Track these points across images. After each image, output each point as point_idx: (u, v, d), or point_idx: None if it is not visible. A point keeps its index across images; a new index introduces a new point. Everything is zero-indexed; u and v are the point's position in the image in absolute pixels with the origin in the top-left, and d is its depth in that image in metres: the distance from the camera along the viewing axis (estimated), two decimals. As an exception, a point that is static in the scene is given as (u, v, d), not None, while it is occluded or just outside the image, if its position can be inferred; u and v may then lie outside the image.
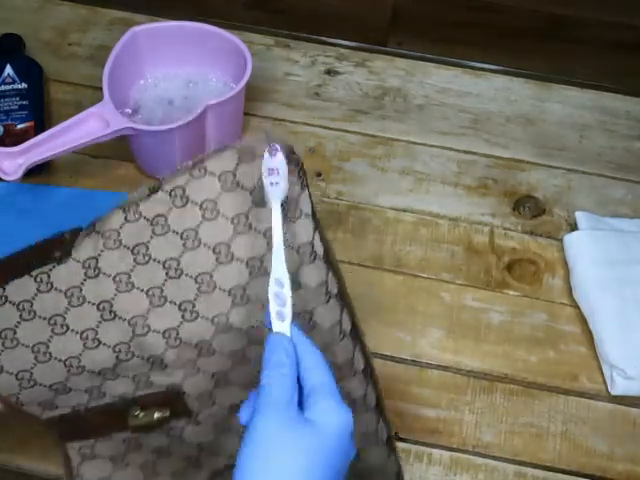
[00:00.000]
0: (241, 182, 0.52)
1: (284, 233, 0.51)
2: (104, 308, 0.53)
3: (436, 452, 0.75)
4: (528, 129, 0.95)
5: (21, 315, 0.53)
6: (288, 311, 0.48)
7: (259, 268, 0.52)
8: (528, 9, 0.95)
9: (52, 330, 0.53)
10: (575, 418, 0.77)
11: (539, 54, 0.99)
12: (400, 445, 0.74)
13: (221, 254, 0.52)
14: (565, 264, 0.84)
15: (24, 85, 0.89)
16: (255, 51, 0.93)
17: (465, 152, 0.93)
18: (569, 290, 0.83)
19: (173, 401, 0.57)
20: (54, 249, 0.53)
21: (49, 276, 0.53)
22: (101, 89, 0.80)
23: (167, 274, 0.53)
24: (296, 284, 0.53)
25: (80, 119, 0.79)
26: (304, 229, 0.53)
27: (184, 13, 0.91)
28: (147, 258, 0.52)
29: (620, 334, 0.78)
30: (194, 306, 0.53)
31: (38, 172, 0.83)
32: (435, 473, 0.74)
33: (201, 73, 0.91)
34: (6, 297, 0.53)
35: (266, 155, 0.51)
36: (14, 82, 0.89)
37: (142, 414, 0.57)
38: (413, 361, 0.79)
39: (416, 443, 0.75)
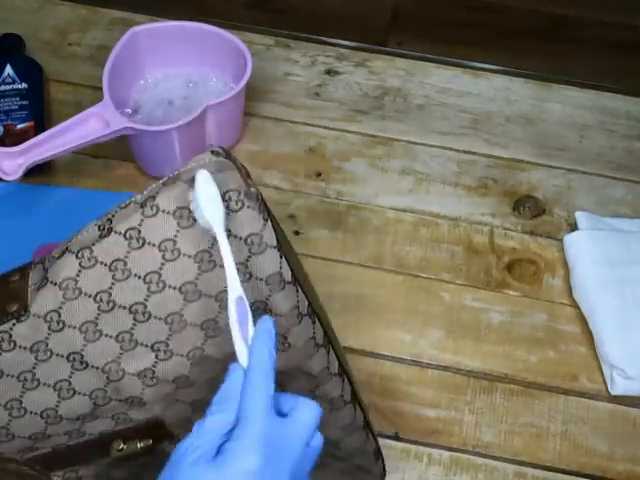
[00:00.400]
0: (197, 218, 0.49)
1: (247, 267, 0.49)
2: (74, 359, 0.51)
3: (436, 452, 0.75)
4: (528, 129, 0.95)
5: None
6: (251, 329, 0.47)
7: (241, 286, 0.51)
8: (528, 9, 0.95)
9: (23, 386, 0.51)
10: (575, 418, 0.77)
11: (539, 54, 0.99)
12: (400, 445, 0.75)
13: (188, 293, 0.50)
14: (565, 264, 0.84)
15: (24, 85, 0.89)
16: (255, 51, 0.93)
17: (465, 152, 0.93)
18: (569, 290, 0.83)
19: (154, 430, 0.57)
20: (7, 300, 0.51)
21: (10, 335, 0.50)
22: (101, 89, 0.80)
23: (135, 318, 0.50)
24: (267, 312, 0.52)
25: (80, 119, 0.79)
26: (271, 261, 0.50)
27: (184, 13, 0.91)
28: (111, 305, 0.50)
29: (620, 334, 0.78)
30: (167, 345, 0.51)
31: (38, 172, 0.83)
32: (435, 473, 0.74)
33: (201, 73, 0.91)
34: None
35: (195, 185, 0.49)
36: (14, 82, 0.89)
37: (125, 446, 0.56)
38: (413, 361, 0.79)
39: (416, 443, 0.75)
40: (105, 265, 0.50)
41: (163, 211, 0.50)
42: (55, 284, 0.50)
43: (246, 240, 0.50)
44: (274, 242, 0.50)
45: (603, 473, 0.74)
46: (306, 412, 0.47)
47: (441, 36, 0.99)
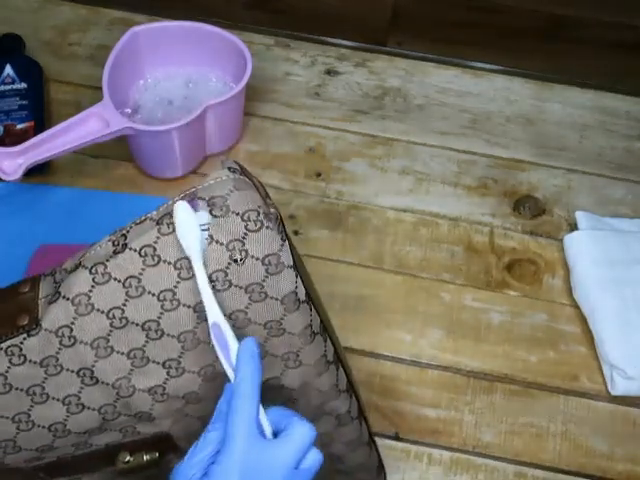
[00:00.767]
0: (216, 237, 0.49)
1: (265, 287, 0.50)
2: (84, 374, 0.51)
3: (436, 452, 0.75)
4: (528, 129, 0.95)
5: None
6: (233, 351, 0.48)
7: (243, 319, 0.50)
8: (528, 9, 0.95)
9: (32, 400, 0.51)
10: (575, 418, 0.77)
11: (539, 54, 0.99)
12: (400, 445, 0.75)
13: (202, 312, 0.49)
14: (565, 264, 0.84)
15: (24, 85, 0.89)
16: (255, 51, 0.93)
17: (465, 152, 0.93)
18: (569, 290, 0.83)
19: (161, 444, 0.57)
20: (17, 313, 0.50)
21: (21, 349, 0.50)
22: (101, 89, 0.80)
23: (147, 336, 0.50)
24: (280, 331, 0.52)
25: (80, 119, 0.79)
26: (287, 281, 0.50)
27: (184, 13, 0.91)
28: (124, 322, 0.49)
29: (620, 334, 0.78)
30: (179, 363, 0.51)
31: (38, 172, 0.83)
32: (435, 473, 0.74)
33: (201, 73, 0.91)
34: None
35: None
36: (14, 82, 0.89)
37: (131, 459, 0.56)
38: (413, 361, 0.79)
39: (416, 443, 0.75)
40: (119, 281, 0.49)
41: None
42: (67, 299, 0.49)
43: (263, 260, 0.49)
44: (291, 262, 0.50)
45: (603, 473, 0.74)
46: (297, 434, 0.46)
47: (441, 36, 0.99)
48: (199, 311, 0.50)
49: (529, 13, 0.95)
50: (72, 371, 0.51)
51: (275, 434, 0.47)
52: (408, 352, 0.79)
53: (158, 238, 0.49)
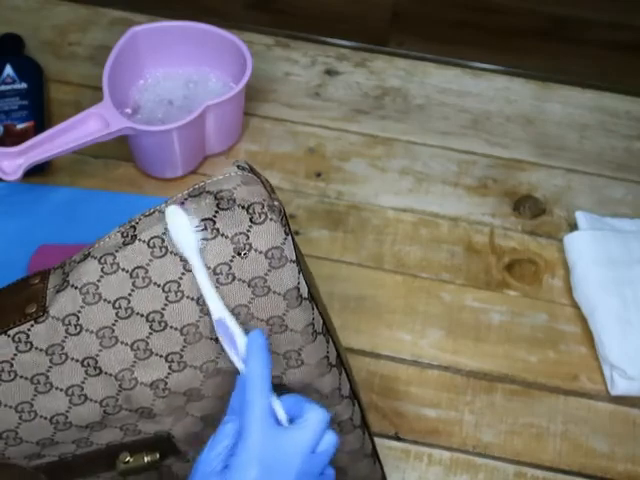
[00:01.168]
0: (222, 230, 0.50)
1: (268, 281, 0.50)
2: (89, 364, 0.51)
3: (436, 452, 0.75)
4: (528, 129, 0.95)
5: (1, 376, 0.51)
6: (241, 347, 0.49)
7: (246, 314, 0.51)
8: (528, 9, 0.95)
9: (35, 389, 0.52)
10: (575, 418, 0.77)
11: (539, 54, 0.99)
12: (400, 445, 0.75)
13: (205, 305, 0.50)
14: (565, 264, 0.84)
15: (24, 85, 0.89)
16: (255, 51, 0.93)
17: (465, 152, 0.93)
18: (569, 290, 0.83)
19: (162, 444, 0.57)
20: (26, 302, 0.51)
21: (28, 335, 0.51)
22: (101, 89, 0.80)
23: (151, 327, 0.51)
24: (282, 327, 0.52)
25: (80, 119, 0.79)
26: (289, 275, 0.51)
27: (184, 13, 0.91)
28: (129, 312, 0.50)
29: (620, 334, 0.78)
30: (181, 357, 0.52)
31: (38, 172, 0.83)
32: (435, 473, 0.74)
33: (201, 73, 0.91)
34: None
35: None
36: (14, 82, 0.89)
37: (131, 459, 0.56)
38: (413, 361, 0.79)
39: (416, 443, 0.75)
40: (126, 272, 0.50)
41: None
42: (76, 288, 0.50)
43: (267, 254, 0.50)
44: (294, 257, 0.51)
45: (603, 473, 0.74)
46: (311, 419, 0.47)
47: (441, 36, 0.99)
48: (202, 304, 0.50)
49: (529, 13, 0.95)
50: (77, 360, 0.51)
51: (290, 421, 0.48)
52: (408, 352, 0.79)
53: (167, 230, 0.50)
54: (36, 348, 0.51)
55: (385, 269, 0.84)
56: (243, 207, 0.50)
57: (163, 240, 0.50)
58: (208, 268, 0.50)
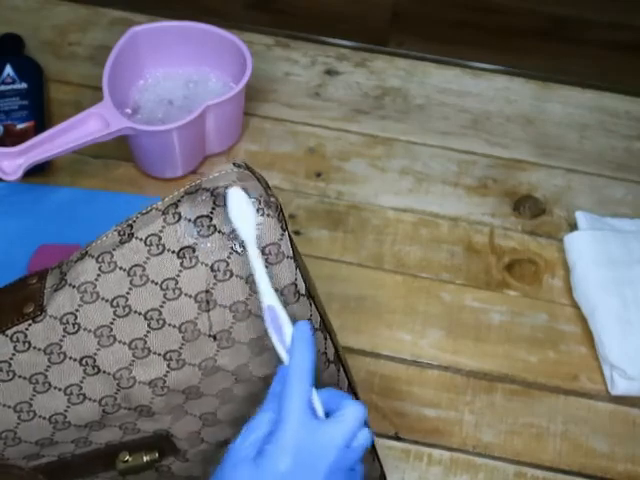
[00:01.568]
0: (218, 226, 0.50)
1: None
2: (87, 363, 0.51)
3: (436, 452, 0.75)
4: (528, 129, 0.95)
5: None
6: (288, 335, 0.49)
7: (243, 312, 0.51)
8: (528, 9, 0.95)
9: (34, 389, 0.52)
10: (575, 418, 0.77)
11: (539, 54, 0.99)
12: (400, 445, 0.75)
13: (203, 302, 0.50)
14: (565, 264, 0.84)
15: (24, 85, 0.89)
16: (255, 51, 0.93)
17: (465, 152, 0.93)
18: (569, 290, 0.83)
19: (161, 443, 0.57)
20: (23, 301, 0.51)
21: (26, 335, 0.51)
22: (101, 89, 0.80)
23: (149, 325, 0.51)
24: None
25: (80, 119, 0.79)
26: (287, 271, 0.51)
27: (184, 13, 0.91)
28: (127, 310, 0.50)
29: (620, 334, 0.78)
30: (180, 355, 0.52)
31: (38, 172, 0.83)
32: (435, 473, 0.74)
33: (201, 73, 0.91)
34: None
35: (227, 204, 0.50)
36: (14, 82, 0.89)
37: (130, 458, 0.56)
38: (413, 361, 0.79)
39: (416, 443, 0.75)
40: (124, 270, 0.50)
41: (184, 219, 0.50)
42: (73, 287, 0.50)
43: (264, 250, 0.50)
44: (290, 253, 0.51)
45: (603, 473, 0.74)
46: (348, 414, 0.47)
47: (441, 36, 0.99)
48: (200, 301, 0.50)
49: (529, 13, 0.95)
50: (75, 359, 0.51)
51: (327, 414, 0.48)
52: (408, 352, 0.79)
53: (163, 227, 0.50)
54: (34, 347, 0.51)
55: (385, 269, 0.84)
56: None
57: (160, 238, 0.50)
58: (205, 265, 0.50)
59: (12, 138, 0.85)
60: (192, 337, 0.51)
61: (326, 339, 0.55)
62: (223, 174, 0.52)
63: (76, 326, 0.50)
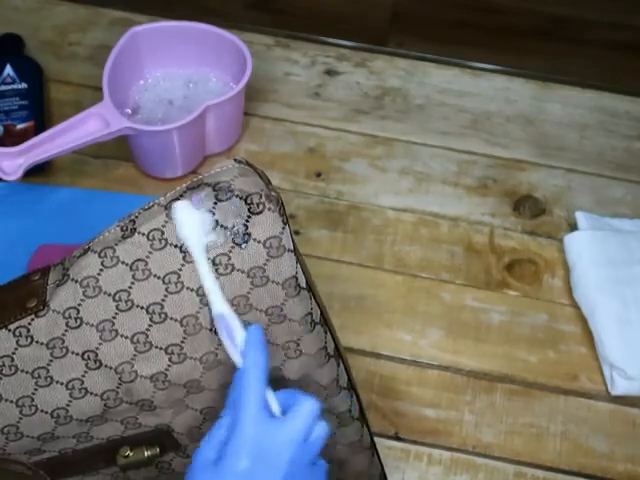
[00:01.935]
0: (221, 221, 0.50)
1: (267, 270, 0.51)
2: (89, 357, 0.52)
3: (436, 452, 0.75)
4: (528, 129, 0.95)
5: (2, 371, 0.52)
6: (240, 341, 0.49)
7: (245, 305, 0.51)
8: (528, 9, 0.95)
9: (36, 383, 0.52)
10: (575, 418, 0.77)
11: (539, 54, 0.99)
12: (400, 445, 0.75)
13: (204, 296, 0.51)
14: (565, 264, 0.84)
15: (24, 85, 0.89)
16: (255, 51, 0.93)
17: (465, 152, 0.93)
18: (569, 290, 0.83)
19: (162, 438, 0.57)
20: (26, 297, 0.52)
21: (28, 329, 0.51)
22: (101, 89, 0.80)
23: (151, 319, 0.51)
24: (281, 317, 0.53)
25: (80, 119, 0.79)
26: (288, 264, 0.51)
27: (184, 13, 0.91)
28: (129, 304, 0.51)
29: (620, 334, 0.78)
30: (181, 348, 0.52)
31: (38, 172, 0.83)
32: (435, 473, 0.74)
33: (201, 73, 0.91)
34: None
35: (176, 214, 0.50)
36: (14, 82, 0.89)
37: (131, 453, 0.57)
38: (413, 361, 0.79)
39: (416, 443, 0.75)
40: (126, 265, 0.51)
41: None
42: (76, 281, 0.51)
43: (265, 243, 0.50)
44: (291, 246, 0.51)
45: (603, 473, 0.74)
46: (302, 409, 0.48)
47: (441, 36, 0.99)
48: (201, 295, 0.51)
49: (529, 13, 0.95)
50: (77, 354, 0.52)
51: (284, 413, 0.49)
52: (408, 352, 0.79)
53: (166, 222, 0.50)
54: (37, 342, 0.51)
55: (385, 269, 0.84)
56: (241, 198, 0.50)
57: (163, 232, 0.50)
58: (207, 259, 0.50)
59: (12, 138, 0.85)
60: (194, 331, 0.52)
61: (326, 333, 0.55)
62: (224, 170, 0.52)
63: (78, 320, 0.51)
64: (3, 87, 0.88)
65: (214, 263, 0.50)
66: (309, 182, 0.89)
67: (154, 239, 0.50)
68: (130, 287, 0.51)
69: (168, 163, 0.86)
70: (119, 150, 0.87)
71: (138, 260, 0.50)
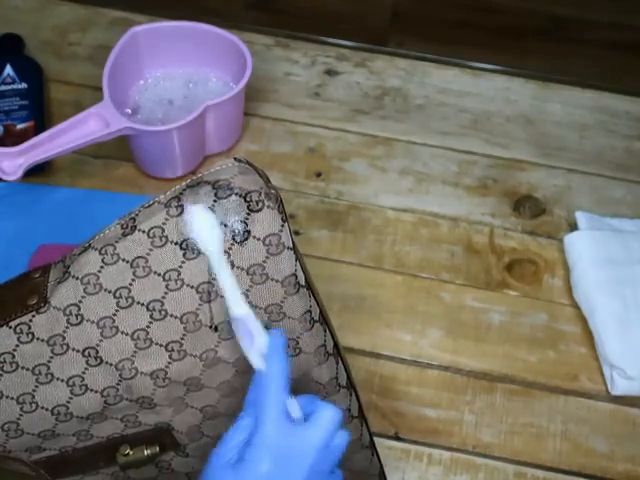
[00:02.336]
0: (220, 218, 0.50)
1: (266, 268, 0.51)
2: (89, 354, 0.52)
3: (436, 452, 0.75)
4: (528, 129, 0.95)
5: (3, 368, 0.52)
6: (261, 343, 0.49)
7: (245, 302, 0.51)
8: (528, 9, 0.95)
9: (37, 380, 0.52)
10: (575, 418, 0.77)
11: (539, 54, 0.99)
12: (400, 445, 0.75)
13: (204, 293, 0.51)
14: (565, 264, 0.84)
15: (24, 85, 0.89)
16: (255, 51, 0.93)
17: (465, 152, 0.93)
18: (569, 290, 0.83)
19: (162, 437, 0.57)
20: (27, 294, 0.52)
21: (29, 326, 0.51)
22: (101, 89, 0.80)
23: (151, 316, 0.51)
24: (280, 315, 0.53)
25: (80, 119, 0.79)
26: (287, 262, 0.51)
27: (184, 13, 0.91)
28: (130, 301, 0.51)
29: (620, 334, 0.78)
30: (181, 345, 0.52)
31: (38, 172, 0.83)
32: (435, 473, 0.74)
33: (201, 73, 0.91)
34: None
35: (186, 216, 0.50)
36: (14, 82, 0.89)
37: (131, 452, 0.57)
38: (413, 361, 0.79)
39: (416, 443, 0.75)
40: (127, 262, 0.51)
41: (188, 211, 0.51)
42: (77, 278, 0.51)
43: (264, 241, 0.51)
44: (290, 244, 0.51)
45: (603, 473, 0.74)
46: (324, 417, 0.48)
47: (441, 36, 0.99)
48: (201, 292, 0.51)
49: (529, 13, 0.95)
50: (77, 350, 0.52)
51: (304, 419, 0.49)
52: (408, 352, 0.79)
53: (167, 220, 0.51)
54: (37, 339, 0.51)
55: (385, 269, 0.84)
56: (240, 195, 0.51)
57: (163, 230, 0.51)
58: (207, 256, 0.50)
59: (12, 138, 0.85)
60: (193, 328, 0.52)
61: (325, 331, 0.55)
62: (224, 168, 0.53)
63: (79, 317, 0.51)
64: (3, 87, 0.88)
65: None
66: (309, 182, 0.89)
67: (154, 236, 0.51)
68: (131, 284, 0.51)
69: (168, 163, 0.86)
70: (119, 150, 0.87)
71: (138, 257, 0.51)
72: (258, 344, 0.49)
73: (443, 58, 1.00)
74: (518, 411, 0.77)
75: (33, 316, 0.51)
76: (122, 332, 0.51)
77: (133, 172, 0.88)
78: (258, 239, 0.51)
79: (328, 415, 0.48)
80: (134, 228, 0.51)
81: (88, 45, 0.97)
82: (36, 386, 0.52)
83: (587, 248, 0.82)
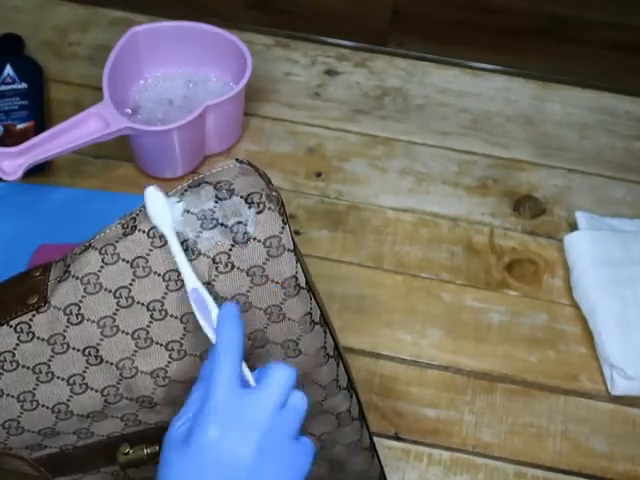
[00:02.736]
0: (221, 219, 0.51)
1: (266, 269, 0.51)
2: (90, 353, 0.52)
3: (436, 452, 0.75)
4: (528, 129, 0.95)
5: (3, 366, 0.52)
6: (214, 317, 0.49)
7: (244, 304, 0.52)
8: (528, 9, 0.95)
9: (37, 378, 0.52)
10: (575, 418, 0.77)
11: (539, 54, 0.99)
12: (400, 445, 0.75)
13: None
14: (565, 264, 0.84)
15: (24, 85, 0.89)
16: (255, 51, 0.93)
17: (465, 152, 0.93)
18: (569, 290, 0.83)
19: (162, 437, 0.57)
20: (27, 293, 0.52)
21: (30, 325, 0.51)
22: (101, 89, 0.80)
23: (152, 316, 0.52)
24: (280, 316, 0.53)
25: (80, 119, 0.79)
26: (287, 264, 0.51)
27: (184, 13, 0.91)
28: (130, 301, 0.51)
29: (620, 334, 0.78)
30: (181, 345, 0.52)
31: (38, 172, 0.83)
32: (435, 473, 0.74)
33: (201, 73, 0.91)
34: None
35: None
36: (14, 82, 0.89)
37: (131, 451, 0.56)
38: (413, 361, 0.79)
39: (416, 443, 0.75)
40: (127, 262, 0.51)
41: (188, 212, 0.51)
42: (77, 278, 0.51)
43: (265, 242, 0.51)
44: (291, 246, 0.51)
45: (603, 473, 0.74)
46: (275, 376, 0.47)
47: (441, 36, 0.99)
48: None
49: (529, 13, 0.95)
50: (78, 350, 0.52)
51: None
52: (408, 352, 0.79)
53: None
54: (38, 338, 0.52)
55: (385, 269, 0.84)
56: (242, 197, 0.51)
57: None
58: (207, 257, 0.50)
59: (12, 138, 0.85)
60: (193, 328, 0.52)
61: (326, 333, 0.55)
62: (226, 169, 0.53)
63: (79, 317, 0.51)
64: (3, 87, 0.88)
65: (214, 261, 0.51)
66: (309, 182, 0.89)
67: (155, 237, 0.51)
68: (131, 284, 0.51)
69: (168, 163, 0.86)
70: (119, 150, 0.87)
71: (139, 257, 0.51)
72: (213, 317, 0.49)
73: (443, 58, 1.00)
74: (518, 411, 0.77)
75: (33, 315, 0.52)
76: (122, 331, 0.52)
77: (133, 172, 0.88)
78: (259, 241, 0.51)
79: (279, 374, 0.47)
80: (134, 228, 0.51)
81: (88, 45, 0.97)
82: (36, 384, 0.52)
83: (587, 248, 0.82)
